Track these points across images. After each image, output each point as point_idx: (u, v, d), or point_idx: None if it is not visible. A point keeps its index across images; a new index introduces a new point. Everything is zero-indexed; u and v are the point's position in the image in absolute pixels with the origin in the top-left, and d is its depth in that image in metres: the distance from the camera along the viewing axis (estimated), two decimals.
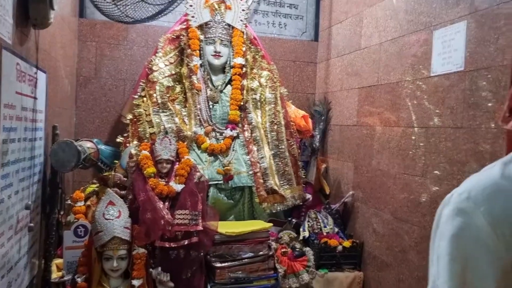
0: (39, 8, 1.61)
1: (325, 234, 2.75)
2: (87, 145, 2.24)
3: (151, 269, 2.16)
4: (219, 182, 2.64)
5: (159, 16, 1.93)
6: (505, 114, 0.78)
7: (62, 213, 2.22)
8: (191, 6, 2.83)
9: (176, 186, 2.32)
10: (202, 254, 2.32)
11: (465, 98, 1.90)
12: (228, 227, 2.45)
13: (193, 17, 2.83)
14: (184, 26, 2.85)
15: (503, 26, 1.70)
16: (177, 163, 2.45)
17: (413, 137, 2.25)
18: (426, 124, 2.15)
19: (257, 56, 2.97)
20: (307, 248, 2.66)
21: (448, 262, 0.70)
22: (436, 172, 2.07)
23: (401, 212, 2.34)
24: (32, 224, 1.74)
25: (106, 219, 2.05)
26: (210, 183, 2.60)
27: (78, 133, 3.08)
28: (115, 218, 2.06)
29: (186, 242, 2.24)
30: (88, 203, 2.44)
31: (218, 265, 2.32)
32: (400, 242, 2.34)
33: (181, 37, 2.82)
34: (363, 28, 2.84)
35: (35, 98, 1.82)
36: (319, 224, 2.80)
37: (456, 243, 0.70)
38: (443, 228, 0.73)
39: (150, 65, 2.75)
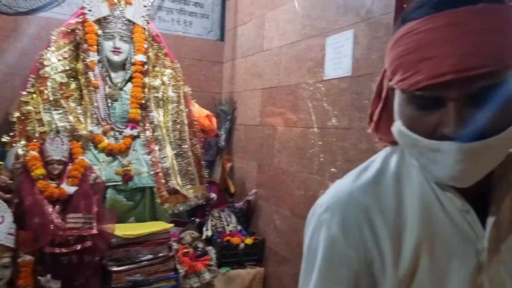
0: None
1: (228, 232, 2.78)
2: None
3: (39, 277, 2.03)
4: (118, 183, 2.54)
5: (46, 8, 1.80)
6: (368, 120, 0.84)
7: None
8: None
9: (69, 188, 2.19)
10: (97, 258, 2.22)
11: (353, 102, 2.03)
12: (127, 230, 2.37)
13: (90, 10, 2.69)
14: (80, 20, 2.70)
15: (384, 36, 1.85)
16: (70, 164, 2.32)
17: (311, 137, 2.36)
18: (322, 125, 2.27)
19: (160, 54, 2.91)
20: (210, 247, 2.66)
21: (314, 269, 0.75)
22: (333, 170, 2.18)
23: (298, 209, 2.44)
24: None
25: None
26: (108, 184, 2.50)
27: None
28: None
29: (79, 247, 2.13)
30: None
31: (115, 269, 2.24)
32: (297, 237, 2.44)
33: (77, 31, 2.67)
34: (265, 30, 2.91)
35: None
36: (222, 222, 2.83)
37: (319, 253, 0.75)
38: (309, 238, 0.78)
39: (41, 60, 2.57)
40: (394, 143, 0.77)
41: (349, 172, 0.80)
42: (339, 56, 2.10)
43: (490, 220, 0.69)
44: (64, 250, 2.10)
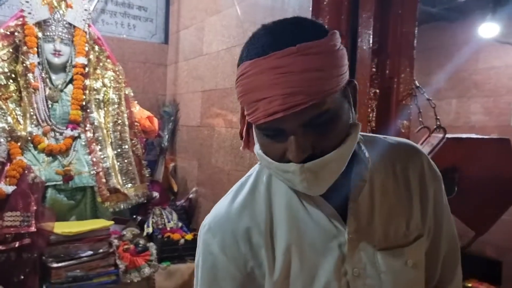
0: None
1: (169, 229, 2.89)
2: None
3: None
4: (58, 183, 2.61)
5: None
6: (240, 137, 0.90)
7: None
8: (27, 2, 2.72)
9: (6, 188, 2.25)
10: (35, 255, 2.28)
11: None
12: (67, 227, 2.44)
13: (29, 13, 2.73)
14: (20, 22, 2.73)
15: None
16: (8, 164, 2.36)
17: None
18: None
19: (101, 57, 2.99)
20: (151, 243, 2.77)
21: (197, 284, 0.86)
22: None
23: None
24: None
25: None
26: (48, 184, 2.56)
27: None
28: None
29: (17, 244, 2.19)
30: None
31: (54, 265, 2.30)
32: None
33: (16, 33, 2.70)
34: (205, 35, 3.06)
35: None
36: (163, 220, 2.94)
37: (202, 272, 0.85)
38: (197, 255, 0.87)
39: None
40: None
41: (230, 190, 0.88)
42: None
43: (350, 215, 0.80)
44: (1, 247, 2.16)
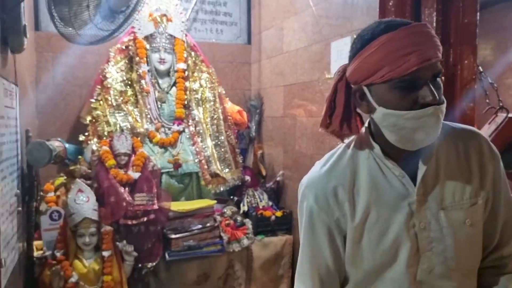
0: (16, 38, 2.04)
1: (261, 207, 3.33)
2: (55, 144, 2.67)
3: (117, 243, 2.65)
4: (170, 170, 3.15)
5: (113, 36, 2.36)
6: (325, 122, 1.10)
7: (37, 202, 2.65)
8: (137, 20, 3.28)
9: (134, 174, 2.81)
10: (159, 228, 2.83)
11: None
12: (180, 206, 2.98)
13: (139, 29, 3.29)
14: (131, 37, 3.30)
15: None
16: (133, 155, 2.94)
17: None
18: None
19: (197, 61, 3.48)
20: (247, 219, 3.22)
21: (303, 229, 1.12)
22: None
23: None
24: (20, 208, 2.18)
25: (77, 203, 2.52)
26: (162, 171, 3.11)
27: (40, 134, 3.45)
28: (85, 202, 2.54)
29: (145, 219, 2.75)
30: (58, 193, 2.87)
31: (173, 236, 2.83)
32: None
33: (130, 47, 3.28)
34: (284, 35, 3.42)
35: (13, 108, 2.25)
36: (256, 199, 3.39)
37: (302, 216, 1.11)
38: (298, 206, 1.14)
39: (104, 73, 3.20)
40: (341, 136, 1.10)
41: (321, 159, 1.13)
42: (341, 58, 2.58)
43: (419, 180, 0.99)
44: (134, 221, 2.72)
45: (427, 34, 0.91)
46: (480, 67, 2.11)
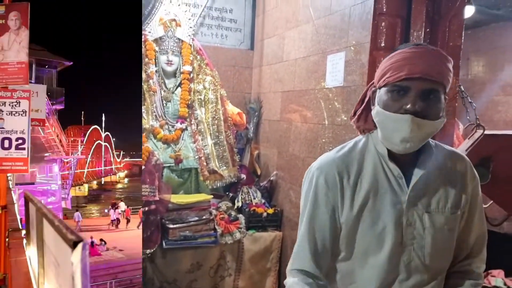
0: None
1: (254, 204, 3.56)
2: None
3: None
4: (171, 164, 3.38)
5: None
6: (351, 115, 1.29)
7: None
8: (148, 23, 3.51)
9: None
10: (158, 218, 3.06)
11: (343, 105, 2.76)
12: (179, 198, 3.21)
13: (150, 32, 3.52)
14: (143, 39, 3.53)
15: (363, 58, 2.56)
16: None
17: (315, 130, 3.08)
18: (319, 122, 3.00)
19: (202, 64, 3.71)
20: (240, 215, 3.46)
21: (308, 202, 1.22)
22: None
23: None
24: None
25: None
26: (164, 165, 3.33)
27: None
28: None
29: (146, 208, 2.97)
30: None
31: (171, 226, 3.07)
32: None
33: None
34: (285, 44, 3.65)
35: None
36: (250, 196, 3.62)
37: (309, 192, 1.21)
38: (308, 183, 1.22)
39: None
40: (365, 130, 1.23)
41: (335, 148, 1.25)
42: (335, 70, 2.82)
43: (412, 184, 1.14)
44: None
45: (430, 56, 1.06)
46: (461, 86, 2.34)
